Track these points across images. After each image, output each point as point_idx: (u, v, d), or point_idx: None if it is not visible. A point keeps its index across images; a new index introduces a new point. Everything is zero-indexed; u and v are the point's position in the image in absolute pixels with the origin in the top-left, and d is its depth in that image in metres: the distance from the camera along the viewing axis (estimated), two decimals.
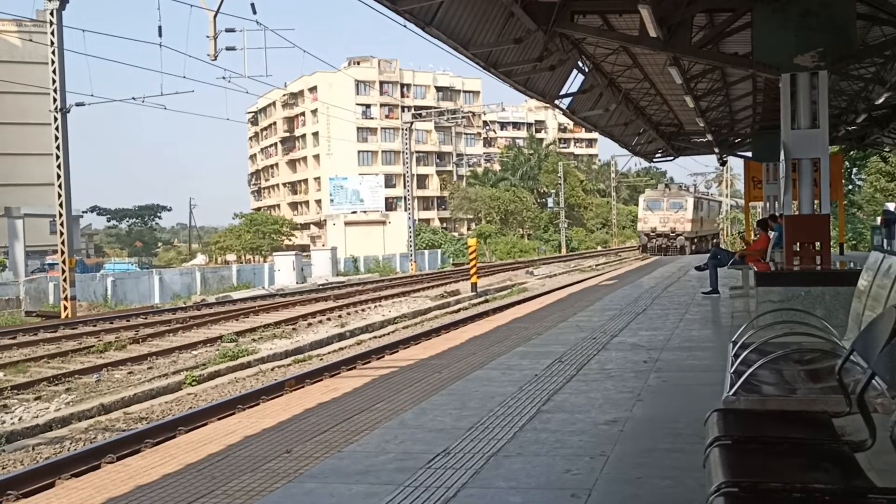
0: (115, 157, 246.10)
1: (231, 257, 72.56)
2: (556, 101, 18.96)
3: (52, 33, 24.53)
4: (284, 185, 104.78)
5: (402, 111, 70.73)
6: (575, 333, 9.95)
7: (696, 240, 50.99)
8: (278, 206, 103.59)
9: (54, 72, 24.61)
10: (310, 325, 21.30)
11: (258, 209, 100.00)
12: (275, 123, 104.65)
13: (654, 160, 35.38)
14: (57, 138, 24.82)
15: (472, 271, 29.92)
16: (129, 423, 11.04)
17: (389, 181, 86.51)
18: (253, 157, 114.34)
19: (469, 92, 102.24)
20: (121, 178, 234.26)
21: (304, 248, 61.94)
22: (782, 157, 10.03)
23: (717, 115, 24.51)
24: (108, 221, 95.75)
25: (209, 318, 22.59)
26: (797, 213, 10.53)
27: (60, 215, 25.05)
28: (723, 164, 44.58)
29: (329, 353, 17.15)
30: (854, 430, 2.88)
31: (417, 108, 77.37)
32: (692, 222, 50.39)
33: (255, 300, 28.46)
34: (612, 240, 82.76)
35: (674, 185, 56.44)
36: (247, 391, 12.43)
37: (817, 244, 9.93)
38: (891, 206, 31.28)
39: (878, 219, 29.72)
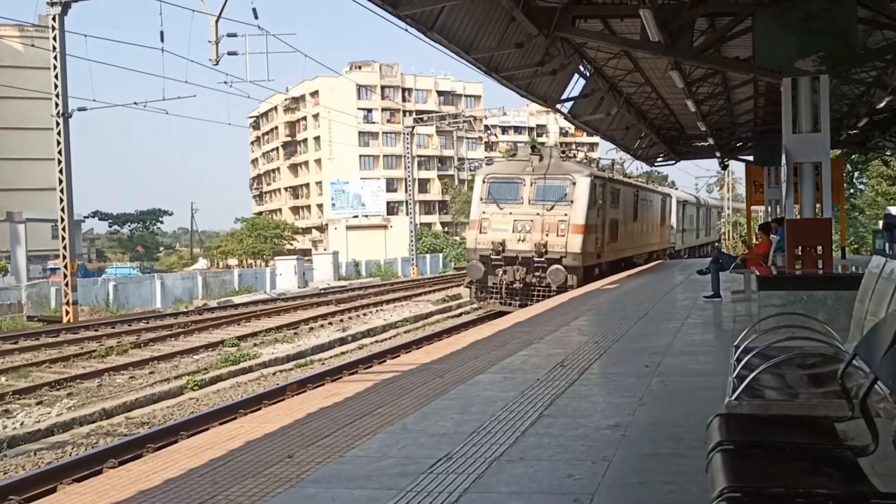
0: (118, 162, 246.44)
1: (233, 262, 72.57)
2: (558, 106, 19.01)
3: (55, 38, 24.57)
4: (286, 189, 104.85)
5: (404, 115, 70.82)
6: (577, 337, 9.94)
7: (603, 267, 24.53)
8: (280, 210, 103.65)
9: (56, 77, 24.66)
10: (311, 329, 21.30)
11: (260, 213, 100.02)
12: (276, 128, 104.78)
13: (656, 164, 35.43)
14: (59, 143, 24.86)
15: None
16: (131, 427, 11.05)
17: (391, 185, 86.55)
18: (254, 161, 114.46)
19: (470, 96, 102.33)
20: (122, 183, 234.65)
21: (305, 253, 61.96)
22: (784, 160, 10.04)
23: (718, 119, 24.55)
24: (110, 226, 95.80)
25: (211, 322, 22.59)
26: (799, 216, 10.53)
27: (62, 220, 25.07)
28: (724, 167, 42.96)
29: (331, 357, 17.15)
30: (857, 434, 2.88)
31: (419, 112, 77.44)
32: (587, 231, 22.61)
33: (256, 304, 28.46)
34: None
35: (548, 151, 24.93)
36: (248, 396, 12.45)
37: (819, 248, 9.93)
38: (893, 209, 31.31)
39: (880, 222, 29.72)
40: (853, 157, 38.14)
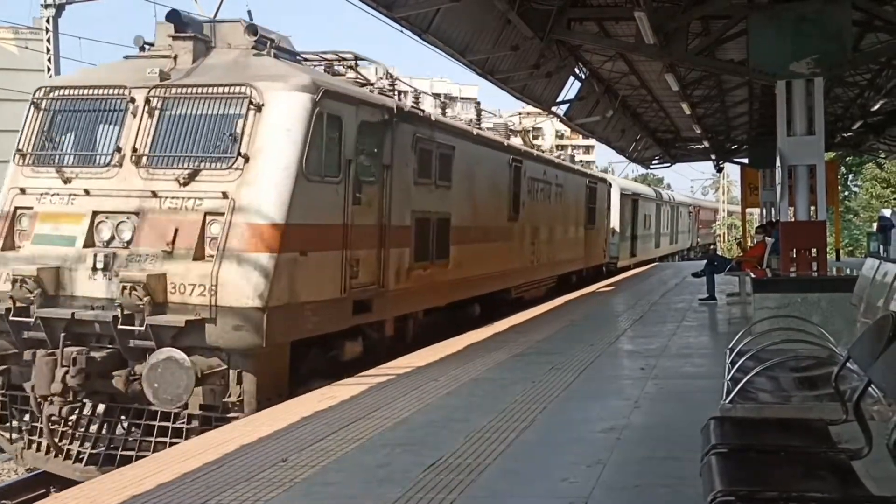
0: None
1: None
2: (554, 108, 18.99)
3: (49, 41, 24.50)
4: None
5: None
6: (572, 341, 9.93)
7: (386, 331, 9.94)
8: None
9: (51, 79, 24.60)
10: None
11: None
12: None
13: (651, 167, 35.44)
14: None
15: None
16: None
17: None
18: None
19: (466, 99, 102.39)
20: None
21: None
22: (778, 163, 10.05)
23: (713, 122, 24.57)
24: None
25: None
26: (794, 219, 10.54)
27: None
28: (719, 170, 42.61)
29: None
30: (850, 437, 2.87)
31: None
32: (293, 240, 7.81)
33: None
34: None
35: (209, 29, 9.37)
36: None
37: (814, 250, 9.93)
38: (886, 212, 31.38)
39: (874, 225, 29.80)
40: (847, 159, 38.20)
